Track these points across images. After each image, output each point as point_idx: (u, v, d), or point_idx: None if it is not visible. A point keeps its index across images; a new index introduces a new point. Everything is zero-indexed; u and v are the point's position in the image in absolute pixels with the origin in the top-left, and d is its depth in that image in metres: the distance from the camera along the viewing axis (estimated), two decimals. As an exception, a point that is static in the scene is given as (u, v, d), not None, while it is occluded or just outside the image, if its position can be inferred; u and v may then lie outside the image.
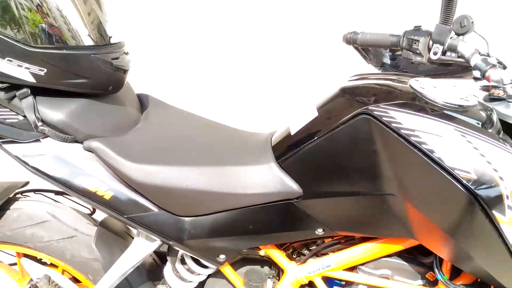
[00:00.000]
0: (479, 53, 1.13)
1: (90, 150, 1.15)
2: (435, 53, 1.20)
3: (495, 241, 0.99)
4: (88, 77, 1.13)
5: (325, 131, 1.09)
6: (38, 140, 1.16)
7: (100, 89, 1.18)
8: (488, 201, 0.95)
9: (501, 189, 0.95)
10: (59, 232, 1.37)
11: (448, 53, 1.18)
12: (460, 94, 1.10)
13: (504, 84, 1.09)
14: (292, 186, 1.14)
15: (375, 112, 1.02)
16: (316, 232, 1.17)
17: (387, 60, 1.44)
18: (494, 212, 0.95)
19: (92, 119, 1.18)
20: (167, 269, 1.39)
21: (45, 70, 1.08)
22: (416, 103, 1.05)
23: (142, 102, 1.42)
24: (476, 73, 1.12)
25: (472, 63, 1.11)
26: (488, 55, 1.16)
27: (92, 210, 1.47)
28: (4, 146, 1.17)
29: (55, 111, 1.13)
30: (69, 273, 1.45)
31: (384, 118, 1.01)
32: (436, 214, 1.03)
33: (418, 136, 0.98)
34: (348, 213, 1.14)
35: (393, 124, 1.00)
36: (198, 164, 1.17)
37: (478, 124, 1.03)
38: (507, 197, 0.95)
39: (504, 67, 1.15)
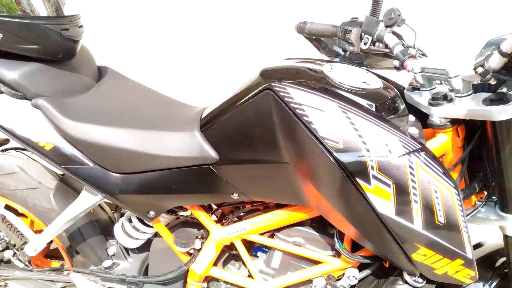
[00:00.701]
0: (403, 44, 1.20)
1: (36, 107, 1.32)
2: (365, 43, 1.28)
3: (366, 210, 1.06)
4: (38, 44, 1.30)
5: (237, 104, 1.20)
6: None
7: (51, 55, 1.34)
8: (352, 169, 1.03)
9: (366, 159, 1.03)
10: (24, 183, 1.57)
11: (377, 44, 1.26)
12: (365, 79, 1.18)
13: (415, 73, 1.14)
14: (210, 152, 1.26)
15: (275, 88, 1.13)
16: (232, 196, 1.29)
17: (340, 51, 1.52)
18: (358, 180, 1.03)
19: (42, 81, 1.34)
20: (117, 226, 1.55)
21: (1, 35, 1.25)
22: (314, 82, 1.14)
23: (101, 73, 1.57)
24: (396, 63, 1.19)
25: (394, 53, 1.18)
26: (413, 47, 1.23)
27: None
28: None
29: (10, 71, 1.31)
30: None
31: (280, 93, 1.11)
32: (318, 183, 1.12)
33: (303, 110, 1.08)
34: (256, 179, 1.25)
35: (286, 99, 1.10)
36: (130, 126, 1.31)
37: (371, 105, 1.11)
38: (373, 167, 1.03)
39: None
